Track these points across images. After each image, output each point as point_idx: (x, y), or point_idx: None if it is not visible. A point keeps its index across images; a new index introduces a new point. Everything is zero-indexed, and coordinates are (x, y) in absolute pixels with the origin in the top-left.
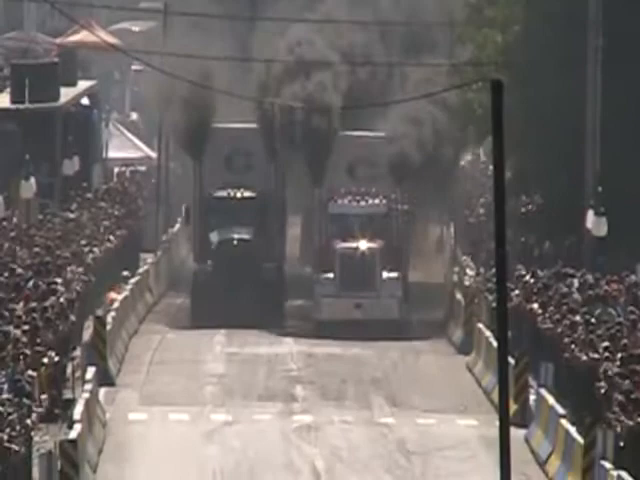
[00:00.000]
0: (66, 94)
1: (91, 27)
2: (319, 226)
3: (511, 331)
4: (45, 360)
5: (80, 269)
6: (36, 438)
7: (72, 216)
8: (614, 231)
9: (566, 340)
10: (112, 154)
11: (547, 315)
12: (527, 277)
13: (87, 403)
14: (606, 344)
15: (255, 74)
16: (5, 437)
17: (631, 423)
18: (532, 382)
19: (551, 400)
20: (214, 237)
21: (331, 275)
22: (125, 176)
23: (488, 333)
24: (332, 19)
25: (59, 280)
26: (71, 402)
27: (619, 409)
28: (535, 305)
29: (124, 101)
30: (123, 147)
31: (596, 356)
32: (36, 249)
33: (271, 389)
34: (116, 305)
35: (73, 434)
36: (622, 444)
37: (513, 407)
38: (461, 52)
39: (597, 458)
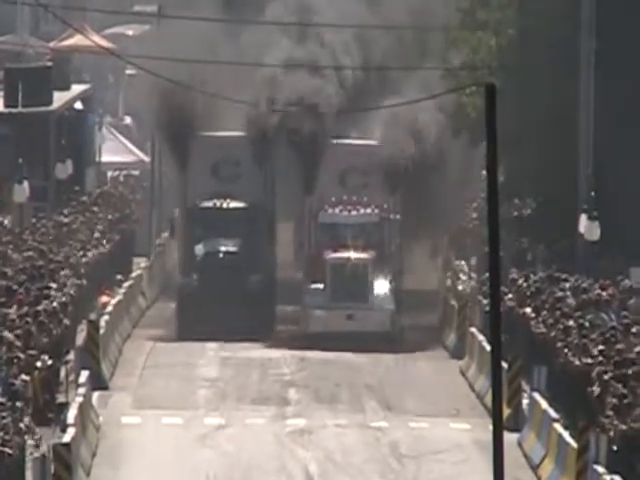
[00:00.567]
0: (59, 98)
1: (85, 31)
2: (309, 236)
3: (504, 335)
4: (38, 364)
5: (73, 273)
6: (29, 442)
7: (65, 220)
8: (607, 235)
9: (559, 344)
10: (105, 158)
11: (540, 319)
12: (520, 281)
13: (80, 407)
14: (600, 348)
15: (247, 78)
16: None
17: (624, 427)
18: (525, 386)
19: (544, 404)
20: (199, 249)
21: (321, 286)
22: (118, 180)
23: (481, 337)
24: (325, 24)
25: (53, 284)
26: (64, 406)
27: (612, 413)
28: (528, 309)
29: (118, 105)
30: (117, 151)
31: (589, 360)
32: (29, 253)
33: (264, 393)
34: (109, 309)
35: (67, 438)
36: (615, 448)
37: (506, 411)
38: (455, 56)
39: (590, 462)
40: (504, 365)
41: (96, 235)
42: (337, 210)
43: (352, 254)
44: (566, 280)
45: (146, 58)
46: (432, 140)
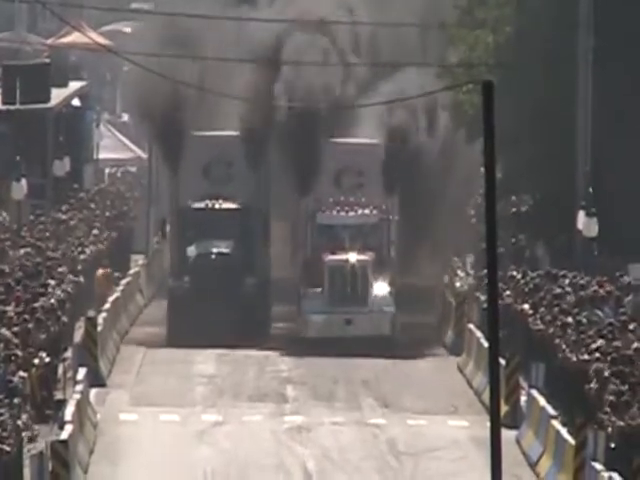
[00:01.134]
0: (57, 95)
1: (82, 28)
2: (306, 238)
3: (502, 332)
4: (36, 361)
5: (71, 270)
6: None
7: (63, 217)
8: (605, 232)
9: (557, 341)
10: (103, 155)
11: (538, 316)
12: (518, 277)
13: (78, 404)
14: (597, 345)
15: (243, 74)
16: None
17: (622, 424)
18: (523, 383)
19: (542, 401)
20: (192, 251)
21: (319, 290)
22: (116, 177)
23: (479, 334)
24: (322, 20)
25: (50, 281)
26: (62, 403)
27: (610, 410)
28: (526, 306)
29: (115, 102)
30: (114, 148)
31: (587, 357)
32: (27, 250)
33: (262, 390)
34: (107, 306)
35: (64, 435)
36: (613, 445)
37: (504, 408)
38: (452, 53)
39: (588, 459)
40: (502, 362)
41: (94, 232)
42: (335, 211)
43: (351, 256)
44: (564, 277)
45: (142, 55)
46: (431, 137)
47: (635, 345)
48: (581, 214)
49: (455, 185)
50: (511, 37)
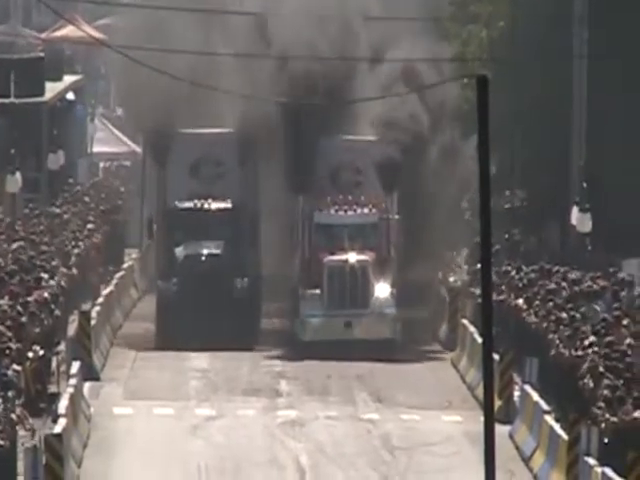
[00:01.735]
0: (51, 89)
1: (77, 22)
2: (303, 238)
3: (496, 327)
4: (30, 354)
5: (64, 263)
6: (21, 432)
7: (57, 211)
8: (598, 227)
9: (551, 336)
10: (97, 149)
11: (532, 311)
12: (512, 272)
13: (72, 397)
14: (591, 340)
15: (240, 70)
16: None
17: (615, 419)
18: (517, 378)
19: (535, 396)
20: (180, 252)
21: (318, 291)
22: (110, 171)
23: (472, 329)
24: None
25: (44, 275)
26: (56, 396)
27: (604, 405)
28: (520, 301)
29: (109, 96)
30: (108, 142)
31: (581, 352)
32: (21, 243)
33: (255, 384)
34: (101, 300)
35: (58, 428)
36: (606, 440)
37: (498, 403)
38: (446, 48)
39: (581, 454)
40: (495, 357)
41: (88, 226)
42: (333, 210)
43: (350, 256)
44: (557, 272)
45: (136, 49)
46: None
47: (628, 340)
48: (575, 209)
49: (452, 181)
50: (505, 32)
